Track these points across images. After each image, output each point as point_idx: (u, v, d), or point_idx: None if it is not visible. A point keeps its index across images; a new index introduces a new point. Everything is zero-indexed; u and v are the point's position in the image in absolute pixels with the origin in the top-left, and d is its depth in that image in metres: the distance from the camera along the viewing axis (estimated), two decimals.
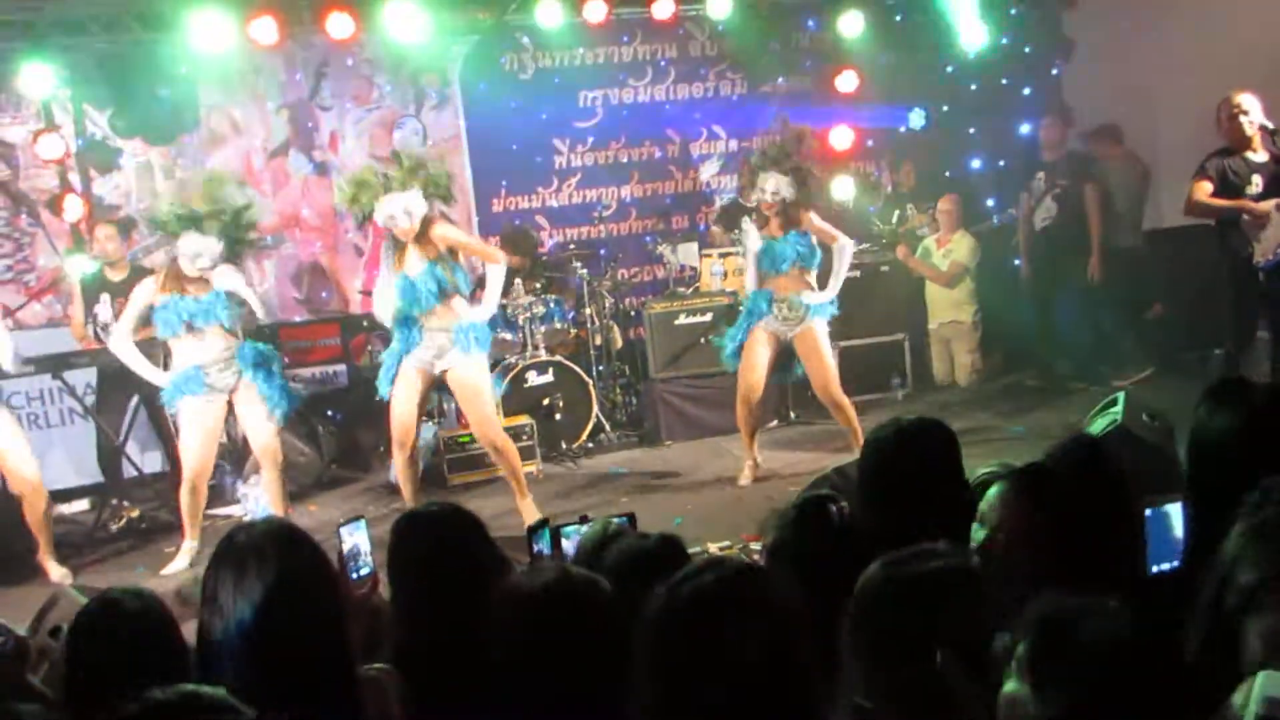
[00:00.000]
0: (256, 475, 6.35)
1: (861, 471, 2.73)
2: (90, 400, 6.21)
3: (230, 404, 5.33)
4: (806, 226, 5.81)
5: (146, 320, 5.25)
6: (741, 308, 6.10)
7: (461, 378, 5.26)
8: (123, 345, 5.23)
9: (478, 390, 5.31)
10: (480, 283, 5.85)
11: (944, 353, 7.90)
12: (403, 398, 5.25)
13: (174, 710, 1.39)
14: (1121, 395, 3.96)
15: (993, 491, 2.36)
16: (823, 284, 5.83)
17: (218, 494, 6.43)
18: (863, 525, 2.44)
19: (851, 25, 7.96)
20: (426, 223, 5.17)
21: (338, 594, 2.06)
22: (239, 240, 5.26)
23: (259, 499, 6.23)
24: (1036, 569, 2.14)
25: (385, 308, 5.27)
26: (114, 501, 6.27)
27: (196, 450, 5.24)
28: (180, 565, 5.25)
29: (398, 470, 5.39)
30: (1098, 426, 3.76)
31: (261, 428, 5.31)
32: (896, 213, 8.10)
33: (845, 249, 5.86)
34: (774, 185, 5.75)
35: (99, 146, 7.44)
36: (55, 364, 5.97)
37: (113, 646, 2.04)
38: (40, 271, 7.41)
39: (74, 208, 6.89)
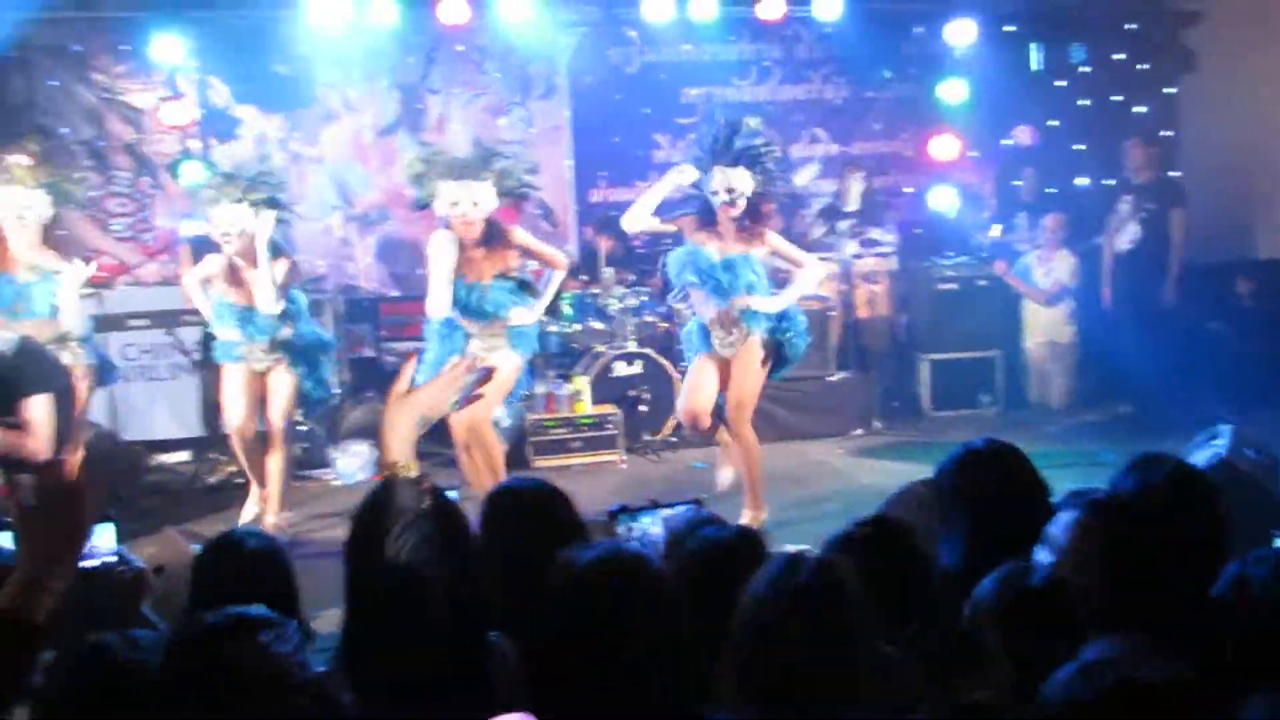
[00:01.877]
0: (349, 440, 6.55)
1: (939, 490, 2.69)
2: (197, 357, 6.47)
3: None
4: (766, 245, 4.94)
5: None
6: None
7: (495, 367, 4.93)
8: (193, 288, 5.24)
9: (499, 385, 4.92)
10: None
11: (1039, 373, 7.76)
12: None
13: (229, 628, 1.52)
14: (1228, 428, 3.86)
15: (1064, 517, 2.31)
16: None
17: (310, 457, 6.64)
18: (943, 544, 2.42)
19: (961, 34, 7.87)
20: (497, 225, 4.86)
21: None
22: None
23: (349, 464, 6.43)
24: (1100, 602, 2.09)
25: (441, 308, 4.86)
26: (211, 455, 6.52)
27: (232, 409, 5.21)
28: (248, 515, 5.33)
29: (462, 467, 5.08)
30: (1200, 458, 3.65)
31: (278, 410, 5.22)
32: (998, 226, 7.98)
33: (812, 272, 5.10)
34: (736, 182, 4.79)
35: (219, 116, 7.73)
36: (167, 320, 6.24)
37: (234, 580, 2.15)
38: (158, 232, 7.74)
39: (192, 173, 7.17)
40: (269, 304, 5.02)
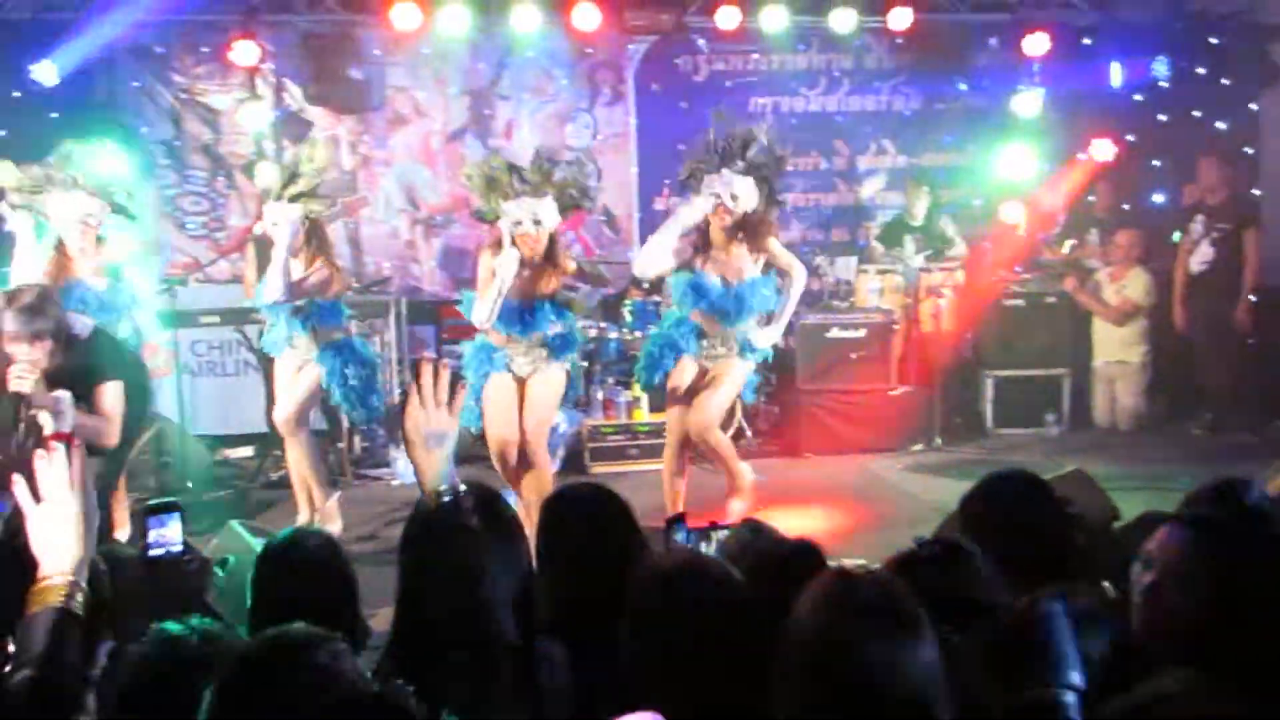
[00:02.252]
0: None
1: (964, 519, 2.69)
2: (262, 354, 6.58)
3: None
4: (768, 254, 4.87)
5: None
6: (656, 329, 5.29)
7: (542, 381, 4.89)
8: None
9: (548, 398, 4.90)
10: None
11: (1107, 393, 7.58)
12: (501, 418, 4.82)
13: (284, 646, 1.51)
14: None
15: (1172, 535, 2.25)
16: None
17: (371, 457, 6.73)
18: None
19: (1037, 46, 7.74)
20: (554, 245, 4.80)
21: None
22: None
23: (409, 465, 6.47)
24: (1190, 622, 2.03)
25: (489, 322, 4.79)
26: (275, 452, 6.63)
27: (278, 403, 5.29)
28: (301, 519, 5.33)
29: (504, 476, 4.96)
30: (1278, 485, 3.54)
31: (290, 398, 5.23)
32: (1069, 242, 7.83)
33: (799, 281, 4.99)
34: (740, 190, 4.72)
35: (294, 119, 7.89)
36: (236, 317, 6.37)
37: (294, 579, 2.18)
38: (230, 231, 7.91)
39: (266, 174, 7.31)
40: (273, 291, 5.01)
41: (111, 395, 3.99)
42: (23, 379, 3.78)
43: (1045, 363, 7.48)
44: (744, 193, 4.74)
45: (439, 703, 1.74)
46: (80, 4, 7.17)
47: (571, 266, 4.94)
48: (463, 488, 1.97)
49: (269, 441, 6.75)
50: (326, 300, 5.19)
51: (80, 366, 3.92)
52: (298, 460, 5.30)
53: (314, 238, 5.16)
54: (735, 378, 5.01)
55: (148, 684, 1.66)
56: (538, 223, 4.66)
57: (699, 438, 4.98)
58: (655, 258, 4.94)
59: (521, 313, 4.76)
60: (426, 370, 2.01)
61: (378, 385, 5.45)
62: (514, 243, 4.66)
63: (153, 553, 2.51)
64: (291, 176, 5.14)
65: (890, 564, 2.20)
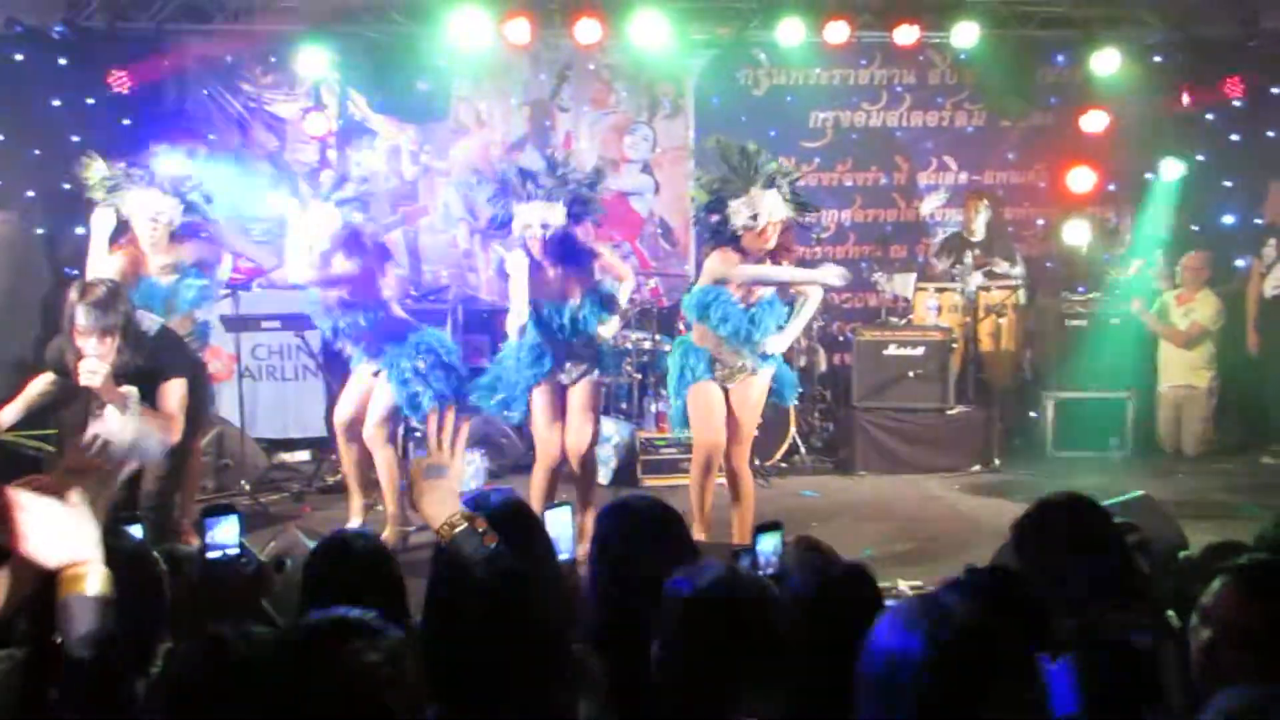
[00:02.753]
0: (469, 450, 6.64)
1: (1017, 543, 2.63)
2: (323, 359, 6.67)
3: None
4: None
5: None
6: (672, 362, 5.11)
7: (583, 388, 4.96)
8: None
9: (586, 407, 4.96)
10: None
11: (1173, 418, 7.39)
12: (547, 421, 4.93)
13: (334, 629, 1.55)
14: None
15: (1216, 583, 2.18)
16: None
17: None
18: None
19: (1106, 63, 7.60)
20: (573, 243, 4.85)
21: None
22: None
23: (464, 470, 6.51)
24: (1254, 672, 1.96)
25: (519, 326, 4.83)
26: (332, 455, 6.71)
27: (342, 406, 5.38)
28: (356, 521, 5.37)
29: (537, 484, 5.00)
30: None
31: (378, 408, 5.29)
32: (1135, 262, 7.67)
33: (815, 297, 4.96)
34: (769, 206, 4.61)
35: (357, 128, 8.00)
36: (298, 322, 6.45)
37: (343, 581, 2.19)
38: None
39: (329, 181, 7.41)
40: (298, 273, 5.24)
41: (176, 392, 4.01)
42: (94, 374, 3.84)
43: (1108, 384, 7.33)
44: (774, 208, 4.65)
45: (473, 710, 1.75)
46: (154, 15, 7.34)
47: (602, 254, 4.99)
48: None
49: (326, 445, 6.84)
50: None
51: (147, 363, 3.95)
52: (381, 474, 5.31)
53: (351, 243, 5.20)
54: (759, 392, 4.94)
55: (196, 686, 1.68)
56: (545, 226, 4.75)
57: (732, 455, 4.91)
58: None
59: (562, 313, 4.84)
60: (434, 419, 2.00)
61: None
62: (525, 246, 4.79)
63: (210, 555, 2.53)
64: (341, 181, 5.29)
65: (942, 588, 2.16)
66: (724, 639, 1.82)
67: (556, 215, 4.78)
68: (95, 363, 3.85)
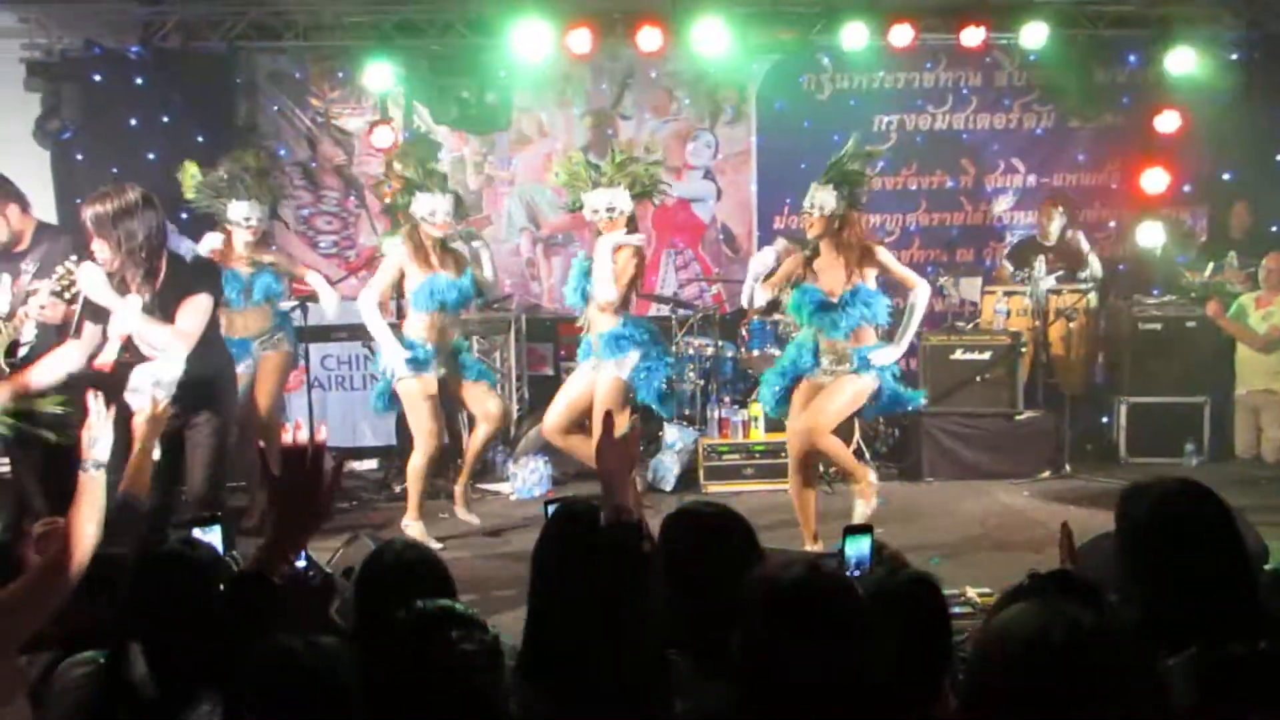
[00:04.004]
0: (527, 456, 6.70)
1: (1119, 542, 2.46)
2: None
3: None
4: (876, 264, 4.94)
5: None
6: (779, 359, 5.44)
7: (606, 380, 5.34)
8: (366, 305, 5.44)
9: (606, 402, 5.28)
10: None
11: (1250, 423, 7.18)
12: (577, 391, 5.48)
13: (435, 618, 1.69)
14: None
15: None
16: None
17: (488, 470, 6.83)
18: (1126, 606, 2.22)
19: (1181, 62, 7.41)
20: (631, 223, 5.29)
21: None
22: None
23: (527, 479, 6.57)
24: None
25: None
26: (399, 463, 6.80)
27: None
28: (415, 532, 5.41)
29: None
30: None
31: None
32: (1210, 265, 7.46)
33: (922, 296, 5.01)
34: (819, 198, 4.91)
35: (423, 140, 8.11)
36: (365, 333, 6.54)
37: (392, 590, 2.22)
38: (359, 249, 8.18)
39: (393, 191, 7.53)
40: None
41: (191, 309, 3.90)
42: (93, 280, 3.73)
43: (1183, 390, 7.15)
44: (823, 199, 4.90)
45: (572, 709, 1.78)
46: (226, 34, 7.53)
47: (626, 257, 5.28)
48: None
49: (395, 453, 6.95)
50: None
51: (176, 284, 3.91)
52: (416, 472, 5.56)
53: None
54: (851, 390, 4.99)
55: (262, 695, 1.73)
56: (611, 210, 5.19)
57: (810, 443, 5.00)
58: (748, 297, 5.24)
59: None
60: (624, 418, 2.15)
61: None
62: (599, 230, 5.29)
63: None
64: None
65: (1004, 596, 2.13)
66: (806, 628, 1.81)
67: (622, 199, 5.22)
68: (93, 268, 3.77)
